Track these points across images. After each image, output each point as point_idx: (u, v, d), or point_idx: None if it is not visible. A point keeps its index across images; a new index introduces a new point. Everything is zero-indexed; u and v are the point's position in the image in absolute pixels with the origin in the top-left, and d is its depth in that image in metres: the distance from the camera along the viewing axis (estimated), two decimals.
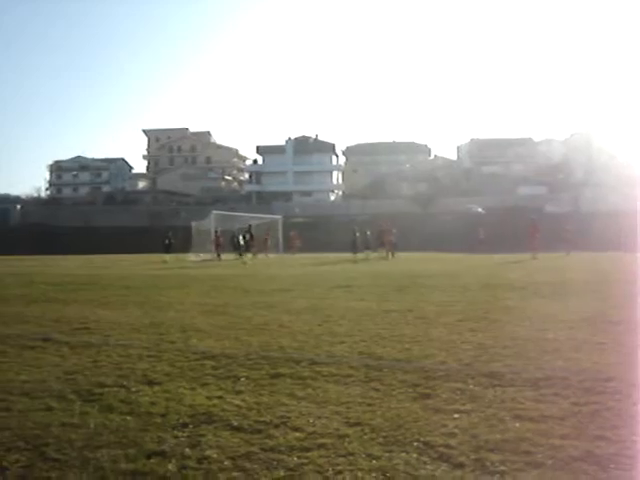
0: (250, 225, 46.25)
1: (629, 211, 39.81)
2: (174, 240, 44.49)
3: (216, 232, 44.91)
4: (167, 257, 41.00)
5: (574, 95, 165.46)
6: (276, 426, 5.01)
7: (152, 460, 4.33)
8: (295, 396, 5.88)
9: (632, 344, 7.97)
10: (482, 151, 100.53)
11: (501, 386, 6.07)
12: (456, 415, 5.19)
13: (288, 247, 48.22)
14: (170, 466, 4.22)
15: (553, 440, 4.59)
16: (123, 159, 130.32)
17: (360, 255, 41.29)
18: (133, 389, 6.25)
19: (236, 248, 43.57)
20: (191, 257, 41.42)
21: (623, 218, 39.70)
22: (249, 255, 43.46)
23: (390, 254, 40.84)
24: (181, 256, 41.23)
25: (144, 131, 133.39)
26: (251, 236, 45.09)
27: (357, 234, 43.18)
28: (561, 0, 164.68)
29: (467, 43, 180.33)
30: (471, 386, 6.09)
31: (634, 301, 12.40)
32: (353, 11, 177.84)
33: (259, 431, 4.91)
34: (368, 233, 43.97)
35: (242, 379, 6.58)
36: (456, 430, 4.82)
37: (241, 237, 44.08)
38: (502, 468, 4.09)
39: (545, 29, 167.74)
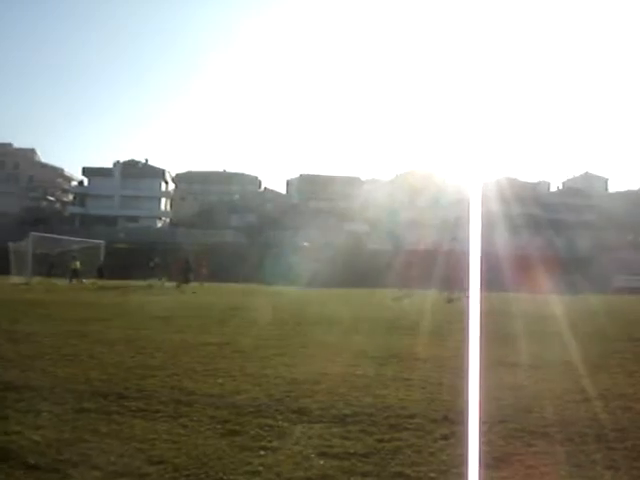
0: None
1: (448, 250, 41.81)
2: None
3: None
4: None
5: (400, 138, 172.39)
6: (75, 465, 4.80)
7: None
8: (98, 432, 5.67)
9: (437, 381, 8.36)
10: (311, 186, 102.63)
11: (309, 422, 6.15)
12: (262, 452, 5.20)
13: (196, 275, 44.89)
14: None
15: (355, 477, 4.70)
16: None
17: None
18: None
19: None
20: (13, 280, 39.22)
21: (443, 257, 41.55)
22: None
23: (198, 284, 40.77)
24: None
25: None
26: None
27: (151, 263, 43.60)
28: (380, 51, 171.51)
29: (299, 84, 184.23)
30: (280, 422, 6.12)
31: (443, 339, 13.03)
32: (189, 39, 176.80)
33: (56, 470, 4.69)
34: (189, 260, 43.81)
35: (44, 414, 6.26)
36: (260, 468, 4.82)
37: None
38: None
39: (376, 75, 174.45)
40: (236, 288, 40.38)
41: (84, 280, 41.19)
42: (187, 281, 41.05)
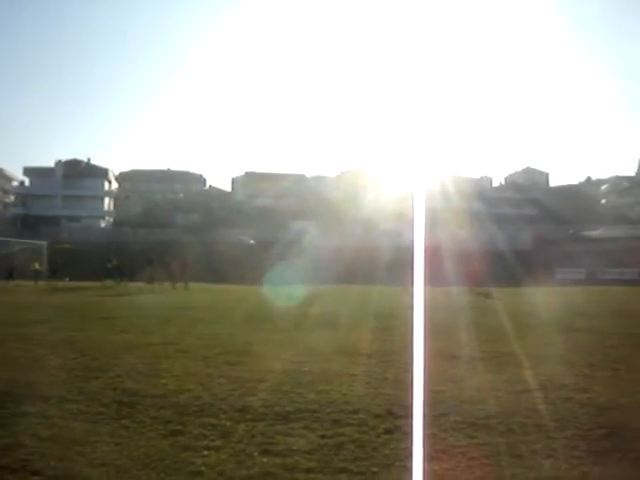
0: None
1: (393, 246, 42.15)
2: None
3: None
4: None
5: (345, 135, 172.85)
6: (14, 470, 4.71)
7: None
8: (39, 437, 5.56)
9: (381, 376, 8.42)
10: (256, 184, 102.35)
11: (253, 420, 6.13)
12: (205, 452, 5.17)
13: (176, 277, 42.70)
14: None
15: (298, 474, 4.70)
16: None
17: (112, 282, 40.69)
18: None
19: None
20: None
21: (390, 252, 41.77)
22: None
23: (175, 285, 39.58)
24: None
25: None
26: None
27: (109, 264, 42.89)
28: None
29: (242, 81, 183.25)
30: (223, 421, 6.10)
31: (387, 334, 13.12)
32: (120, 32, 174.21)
33: None
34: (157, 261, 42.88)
35: None
36: (203, 468, 4.80)
37: None
38: None
39: (320, 74, 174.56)
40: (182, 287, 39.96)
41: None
42: (151, 281, 40.20)
